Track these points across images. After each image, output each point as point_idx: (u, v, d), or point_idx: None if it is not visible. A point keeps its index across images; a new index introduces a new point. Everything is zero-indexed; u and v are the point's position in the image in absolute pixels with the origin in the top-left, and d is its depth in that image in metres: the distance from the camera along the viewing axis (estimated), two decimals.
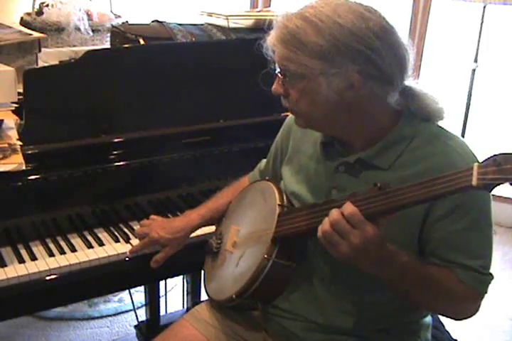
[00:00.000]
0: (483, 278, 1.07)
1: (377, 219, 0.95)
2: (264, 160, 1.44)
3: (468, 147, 1.09)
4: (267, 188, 1.25)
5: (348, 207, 0.95)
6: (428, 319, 1.26)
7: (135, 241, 1.42)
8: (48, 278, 1.30)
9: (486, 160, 0.86)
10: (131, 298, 2.04)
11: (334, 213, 0.96)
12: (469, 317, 1.11)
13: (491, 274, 1.08)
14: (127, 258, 1.39)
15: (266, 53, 1.10)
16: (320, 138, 1.18)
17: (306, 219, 1.06)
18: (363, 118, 1.09)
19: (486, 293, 1.08)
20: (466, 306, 1.10)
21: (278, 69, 1.08)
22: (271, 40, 1.07)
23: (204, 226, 1.41)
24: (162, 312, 1.99)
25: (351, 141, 1.13)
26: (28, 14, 2.38)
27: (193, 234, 1.44)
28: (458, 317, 1.12)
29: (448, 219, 1.05)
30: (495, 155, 0.86)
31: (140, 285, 2.00)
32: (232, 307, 1.22)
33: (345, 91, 1.03)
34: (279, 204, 1.17)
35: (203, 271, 1.39)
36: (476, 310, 1.10)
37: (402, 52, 1.03)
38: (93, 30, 2.33)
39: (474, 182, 0.85)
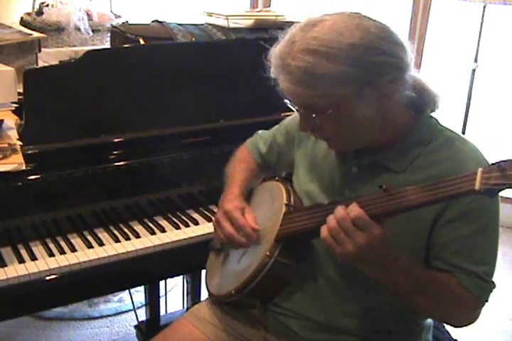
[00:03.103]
0: (485, 285, 1.06)
1: (381, 219, 0.95)
2: (262, 135, 1.41)
3: (481, 152, 1.08)
4: (276, 188, 1.25)
5: (354, 209, 0.94)
6: (429, 320, 1.26)
7: (135, 241, 1.42)
8: (47, 278, 1.30)
9: (491, 165, 0.86)
10: (131, 298, 2.04)
11: (340, 211, 0.95)
12: (468, 324, 1.09)
13: (493, 282, 1.08)
14: (127, 258, 1.39)
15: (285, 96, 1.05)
16: None
17: (310, 218, 1.07)
18: (388, 124, 1.07)
19: (486, 300, 1.07)
20: (466, 312, 1.09)
21: (302, 109, 1.05)
22: (285, 85, 1.00)
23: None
24: (162, 312, 1.99)
25: (370, 144, 1.11)
26: (28, 14, 2.38)
27: (194, 234, 1.45)
28: (457, 323, 1.11)
29: (456, 224, 1.05)
30: (500, 161, 0.86)
31: (140, 285, 2.00)
32: (231, 304, 1.22)
33: (380, 104, 1.02)
34: (285, 204, 1.17)
35: (205, 268, 1.39)
36: (476, 317, 1.09)
37: (402, 41, 1.02)
38: (93, 30, 2.33)
39: (477, 186, 0.85)
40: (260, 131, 1.44)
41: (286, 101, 1.11)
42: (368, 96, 1.00)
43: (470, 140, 1.11)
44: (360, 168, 1.13)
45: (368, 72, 0.98)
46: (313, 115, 1.03)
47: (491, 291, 1.08)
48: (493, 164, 0.87)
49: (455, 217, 1.04)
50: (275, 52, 1.03)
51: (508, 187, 0.84)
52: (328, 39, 0.97)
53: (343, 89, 0.98)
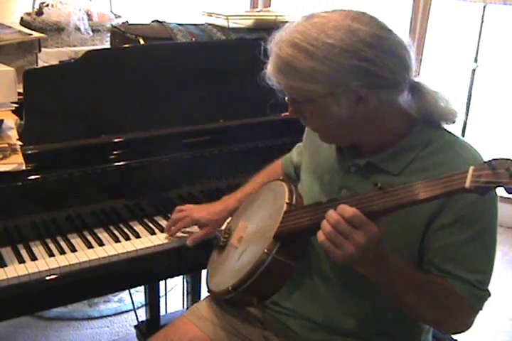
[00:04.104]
0: (478, 293, 1.05)
1: (375, 217, 0.95)
2: (297, 149, 1.45)
3: (481, 157, 1.07)
4: (279, 188, 1.26)
5: (348, 209, 0.94)
6: None
7: (135, 241, 1.42)
8: (47, 278, 1.30)
9: (482, 163, 0.87)
10: (131, 298, 2.04)
11: (333, 214, 0.95)
12: (461, 331, 1.09)
13: (487, 291, 1.07)
14: (127, 258, 1.39)
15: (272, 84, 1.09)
16: None
17: (309, 215, 1.07)
18: (376, 126, 1.08)
19: (480, 309, 1.07)
20: (459, 319, 1.08)
21: (286, 96, 1.09)
22: (269, 71, 1.06)
23: None
24: (162, 312, 1.99)
25: (363, 145, 1.13)
26: (28, 14, 2.38)
27: None
28: (449, 330, 1.12)
29: (451, 229, 1.04)
30: (492, 159, 0.86)
31: (140, 285, 2.00)
32: (229, 301, 1.23)
33: (356, 106, 1.03)
34: (286, 203, 1.18)
35: (205, 268, 1.39)
36: (469, 325, 1.08)
37: (400, 52, 1.02)
38: (93, 30, 2.33)
39: (467, 184, 0.85)
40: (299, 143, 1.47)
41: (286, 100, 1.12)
42: (342, 97, 1.01)
43: (470, 143, 1.10)
44: (357, 167, 1.13)
45: (340, 73, 0.99)
46: (291, 103, 1.08)
47: (485, 300, 1.07)
48: (484, 163, 0.87)
49: (449, 223, 1.04)
50: (276, 35, 1.06)
51: (498, 186, 0.84)
52: (310, 35, 1.00)
53: (315, 86, 1.01)
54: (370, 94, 1.01)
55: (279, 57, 1.03)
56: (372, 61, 0.99)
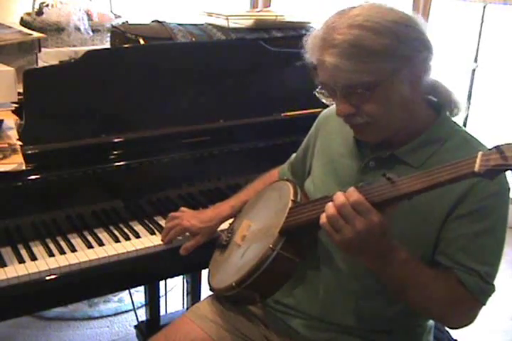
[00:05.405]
0: (484, 286, 1.06)
1: (383, 207, 0.95)
2: (294, 154, 1.45)
3: None
4: (284, 187, 1.26)
5: (354, 195, 0.95)
6: (431, 321, 1.26)
7: (135, 241, 1.43)
8: (47, 278, 1.30)
9: (490, 149, 0.89)
10: (131, 298, 2.04)
11: (340, 197, 0.96)
12: (464, 326, 1.09)
13: (493, 285, 1.07)
14: (127, 258, 1.39)
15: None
16: (353, 133, 1.18)
17: (315, 209, 1.07)
18: (412, 114, 1.10)
19: (484, 304, 1.07)
20: (463, 313, 1.09)
21: (343, 89, 1.05)
22: (332, 60, 1.01)
23: (234, 216, 1.43)
24: (162, 312, 1.99)
25: (394, 135, 1.12)
26: (28, 14, 2.38)
27: None
28: (453, 324, 1.12)
29: (466, 220, 1.05)
30: (499, 145, 0.88)
31: (140, 285, 2.00)
32: (231, 298, 1.22)
33: (415, 83, 1.06)
34: (292, 200, 1.18)
35: (205, 268, 1.39)
36: (472, 319, 1.09)
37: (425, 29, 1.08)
38: (93, 30, 2.33)
39: (476, 168, 0.87)
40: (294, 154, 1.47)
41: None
42: (406, 72, 1.04)
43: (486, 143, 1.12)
44: (377, 161, 1.14)
45: (406, 47, 1.03)
46: (359, 90, 1.03)
47: (490, 295, 1.07)
48: (492, 147, 0.89)
49: (464, 214, 1.05)
50: (314, 38, 1.06)
51: (507, 169, 0.86)
52: (371, 15, 1.02)
53: (384, 64, 1.02)
54: (424, 70, 1.06)
55: (344, 41, 1.00)
56: (424, 34, 1.06)
